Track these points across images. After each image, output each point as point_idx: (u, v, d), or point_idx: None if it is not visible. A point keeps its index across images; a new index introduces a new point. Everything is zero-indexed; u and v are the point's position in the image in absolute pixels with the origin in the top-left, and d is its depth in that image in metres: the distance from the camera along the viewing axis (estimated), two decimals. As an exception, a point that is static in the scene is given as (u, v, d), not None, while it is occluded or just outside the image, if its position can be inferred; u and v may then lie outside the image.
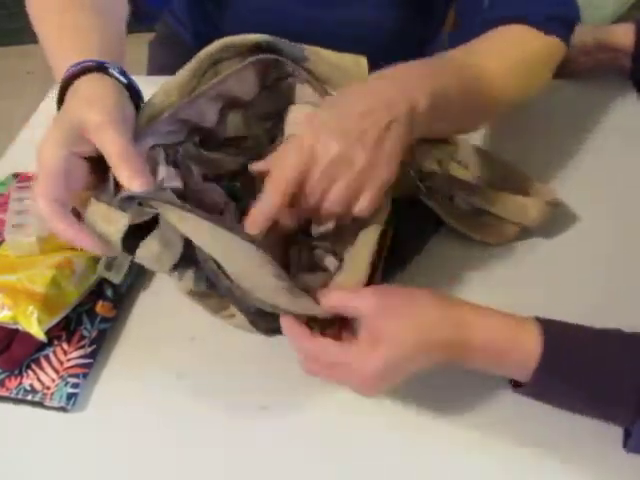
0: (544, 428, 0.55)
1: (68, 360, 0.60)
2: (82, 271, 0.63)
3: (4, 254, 0.65)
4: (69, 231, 0.48)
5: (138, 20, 0.77)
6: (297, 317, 0.52)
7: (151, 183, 0.49)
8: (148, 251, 0.51)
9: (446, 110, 0.57)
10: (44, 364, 0.60)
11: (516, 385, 0.53)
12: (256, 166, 0.56)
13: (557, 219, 0.71)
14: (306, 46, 0.61)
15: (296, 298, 0.51)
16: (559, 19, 0.69)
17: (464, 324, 0.50)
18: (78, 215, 0.50)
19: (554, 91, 0.89)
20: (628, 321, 0.51)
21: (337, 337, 0.53)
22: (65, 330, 0.62)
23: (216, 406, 0.58)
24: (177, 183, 0.52)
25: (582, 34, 0.88)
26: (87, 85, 0.53)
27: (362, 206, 0.53)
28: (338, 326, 0.53)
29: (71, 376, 0.59)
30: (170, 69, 0.60)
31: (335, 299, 0.51)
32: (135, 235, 0.51)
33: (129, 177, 0.48)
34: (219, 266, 0.51)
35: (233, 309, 0.56)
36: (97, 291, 0.65)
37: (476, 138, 0.80)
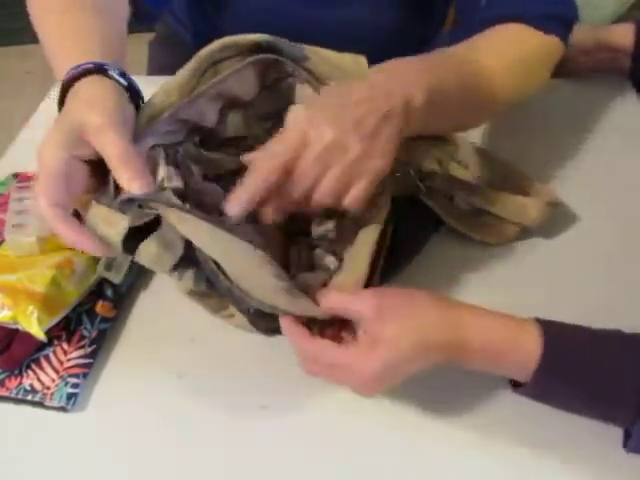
0: (544, 428, 0.55)
1: (68, 360, 0.60)
2: (82, 271, 0.63)
3: (4, 254, 0.65)
4: (70, 234, 0.48)
5: (138, 20, 0.77)
6: (296, 317, 0.52)
7: (151, 184, 0.49)
8: (147, 253, 0.51)
9: (443, 106, 0.57)
10: (44, 364, 0.60)
11: (516, 385, 0.53)
12: (247, 157, 0.55)
13: (557, 219, 0.71)
14: (306, 46, 0.61)
15: (295, 299, 0.51)
16: (557, 18, 0.69)
17: (463, 326, 0.50)
18: (79, 217, 0.50)
19: (554, 91, 0.89)
20: (628, 321, 0.51)
21: (336, 337, 0.53)
22: (65, 330, 0.62)
23: (216, 406, 0.58)
24: (178, 183, 0.52)
25: (582, 34, 0.88)
26: (87, 87, 0.53)
27: (353, 197, 0.52)
28: (337, 326, 0.53)
29: (71, 376, 0.59)
30: (170, 69, 0.60)
31: (334, 301, 0.51)
32: (135, 236, 0.51)
33: (128, 179, 0.48)
34: (219, 266, 0.51)
35: (233, 309, 0.56)
36: (97, 291, 0.65)
37: (476, 137, 0.80)
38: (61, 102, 0.55)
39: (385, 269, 0.58)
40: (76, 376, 0.59)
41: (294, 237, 0.59)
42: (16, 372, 0.60)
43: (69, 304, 0.62)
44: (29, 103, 0.97)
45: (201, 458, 0.55)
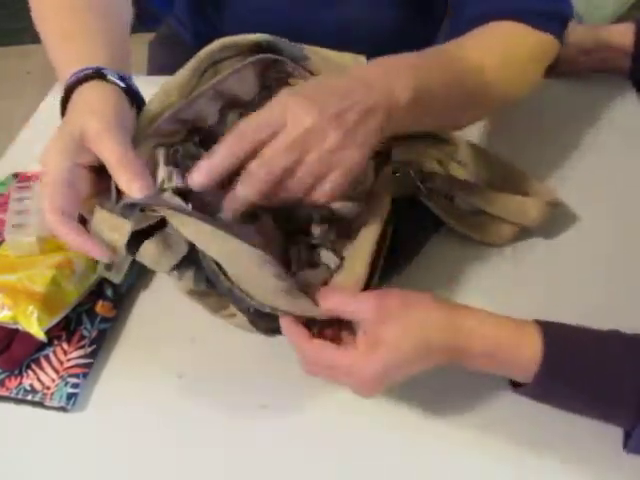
0: (544, 428, 0.55)
1: (68, 360, 0.60)
2: (82, 271, 0.63)
3: (4, 254, 0.65)
4: (77, 240, 0.49)
5: (142, 22, 0.77)
6: (296, 318, 0.52)
7: (151, 186, 0.49)
8: (146, 255, 0.52)
9: (430, 105, 0.57)
10: (44, 364, 0.60)
11: (516, 385, 0.53)
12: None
13: (557, 219, 0.71)
14: (306, 46, 0.61)
15: (295, 299, 0.51)
16: (552, 15, 0.68)
17: (464, 329, 0.50)
18: (84, 221, 0.50)
19: (554, 90, 0.89)
20: (628, 321, 0.51)
21: (336, 337, 0.53)
22: (65, 330, 0.62)
23: (216, 406, 0.58)
24: (178, 181, 0.52)
25: (582, 34, 0.88)
26: (87, 93, 0.54)
27: (325, 189, 0.51)
28: (337, 326, 0.53)
29: (71, 376, 0.59)
30: (170, 69, 0.60)
31: (333, 302, 0.51)
32: (138, 237, 0.51)
33: (128, 181, 0.49)
34: (219, 267, 0.51)
35: (233, 308, 0.56)
36: (97, 291, 0.65)
37: (475, 137, 0.80)
38: (64, 108, 0.55)
39: (385, 269, 0.58)
40: (76, 376, 0.59)
41: (294, 237, 0.59)
42: (16, 372, 0.60)
43: (69, 304, 0.62)
44: (29, 103, 0.97)
45: (201, 458, 0.55)
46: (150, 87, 0.58)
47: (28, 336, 0.59)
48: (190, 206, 0.50)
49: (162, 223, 0.51)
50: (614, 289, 0.65)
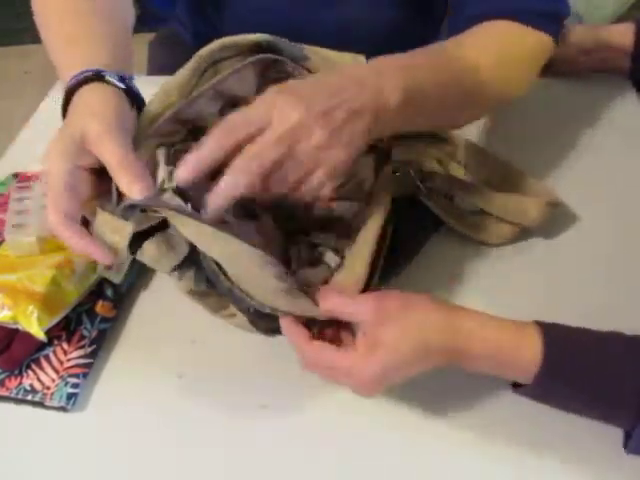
0: (544, 428, 0.55)
1: (68, 360, 0.60)
2: (82, 271, 0.63)
3: (4, 254, 0.65)
4: (79, 243, 0.49)
5: (144, 23, 0.78)
6: (296, 318, 0.52)
7: (151, 187, 0.49)
8: (147, 255, 0.52)
9: (422, 106, 0.57)
10: (44, 364, 0.60)
11: (516, 385, 0.53)
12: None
13: (557, 219, 0.71)
14: (306, 46, 0.61)
15: (295, 299, 0.51)
16: (548, 15, 0.68)
17: (463, 331, 0.50)
18: (87, 223, 0.50)
19: (554, 90, 0.89)
20: (628, 321, 0.51)
21: (336, 337, 0.53)
22: (65, 330, 0.62)
23: (216, 406, 0.58)
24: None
25: (582, 34, 0.88)
26: (87, 96, 0.54)
27: (311, 186, 0.51)
28: (337, 326, 0.53)
29: (71, 376, 0.59)
30: (170, 69, 0.60)
31: (332, 303, 0.51)
32: (139, 238, 0.51)
33: (128, 183, 0.49)
34: (220, 267, 0.51)
35: (233, 308, 0.56)
36: (97, 291, 0.65)
37: (475, 137, 0.80)
38: (64, 110, 0.56)
39: (385, 269, 0.58)
40: (76, 376, 0.59)
41: (294, 236, 0.59)
42: (16, 372, 0.60)
43: (69, 304, 0.62)
44: (29, 103, 0.97)
45: (201, 458, 0.55)
46: (150, 87, 0.58)
47: (28, 336, 0.59)
48: (190, 206, 0.50)
49: (164, 224, 0.51)
50: (614, 289, 0.65)
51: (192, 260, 0.54)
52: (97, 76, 0.55)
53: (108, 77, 0.55)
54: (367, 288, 0.54)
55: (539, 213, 0.68)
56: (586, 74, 0.90)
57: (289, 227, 0.58)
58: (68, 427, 0.57)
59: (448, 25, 0.71)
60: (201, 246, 0.50)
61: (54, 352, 0.61)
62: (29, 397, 0.58)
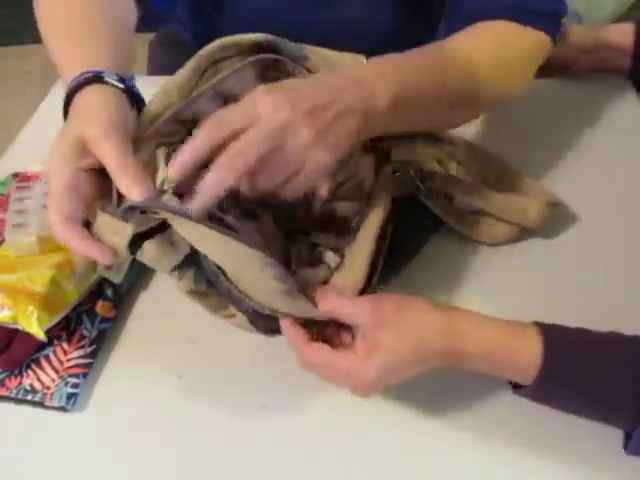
0: (543, 428, 0.55)
1: (68, 360, 0.60)
2: (82, 271, 0.63)
3: (4, 254, 0.65)
4: (80, 245, 0.49)
5: (146, 23, 0.78)
6: (296, 318, 0.52)
7: (150, 189, 0.49)
8: (147, 255, 0.52)
9: (417, 105, 0.57)
10: (44, 364, 0.60)
11: (516, 386, 0.53)
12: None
13: (557, 219, 0.71)
14: (306, 46, 0.61)
15: (295, 301, 0.51)
16: (546, 14, 0.68)
17: (461, 334, 0.50)
18: (89, 224, 0.51)
19: (554, 91, 0.89)
20: (628, 321, 0.51)
21: (335, 337, 0.53)
22: (65, 330, 0.62)
23: (216, 406, 0.58)
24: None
25: (582, 34, 0.88)
26: (87, 97, 0.54)
27: (295, 185, 0.51)
28: (336, 327, 0.53)
29: (71, 376, 0.59)
30: (170, 69, 0.60)
31: (331, 305, 0.51)
32: (139, 238, 0.51)
33: (127, 185, 0.49)
34: (219, 267, 0.51)
35: (233, 309, 0.56)
36: (97, 291, 0.65)
37: (475, 137, 0.80)
38: (66, 111, 0.56)
39: (385, 269, 0.58)
40: (76, 376, 0.59)
41: (294, 236, 0.59)
42: (16, 372, 0.60)
43: (69, 304, 0.62)
44: (29, 103, 0.97)
45: (201, 458, 0.55)
46: (150, 87, 0.58)
47: (28, 336, 0.59)
48: (189, 209, 0.49)
49: (164, 225, 0.51)
50: (614, 289, 0.65)
51: (192, 260, 0.54)
52: (97, 77, 0.55)
53: (107, 78, 0.55)
54: (367, 288, 0.54)
55: (539, 213, 0.68)
56: (586, 74, 0.90)
57: (289, 227, 0.58)
58: (68, 427, 0.57)
59: (445, 25, 0.71)
60: (200, 247, 0.50)
61: (54, 352, 0.61)
62: (29, 397, 0.58)
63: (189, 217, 0.48)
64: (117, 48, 0.61)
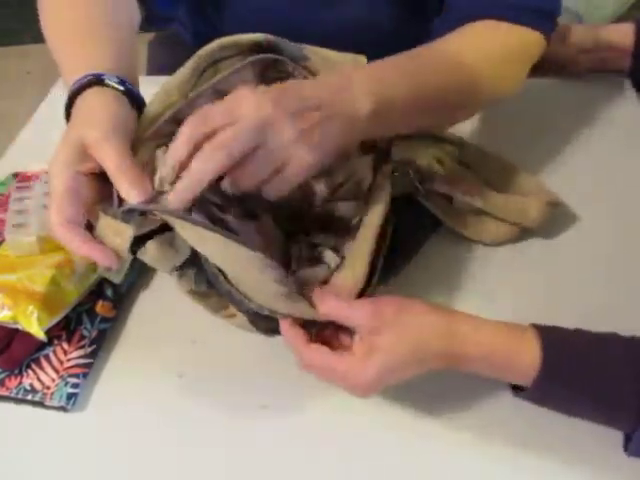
0: (543, 429, 0.54)
1: (68, 360, 0.60)
2: (82, 271, 0.63)
3: (4, 254, 0.65)
4: (82, 248, 0.49)
5: (151, 23, 0.78)
6: (295, 318, 0.52)
7: (148, 192, 0.49)
8: (148, 256, 0.52)
9: (406, 110, 0.57)
10: (44, 364, 0.60)
11: (516, 388, 0.53)
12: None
13: (557, 219, 0.71)
14: (306, 46, 0.61)
15: (295, 303, 0.51)
16: (540, 13, 0.68)
17: (460, 336, 0.50)
18: (91, 227, 0.51)
19: (553, 90, 0.89)
20: (628, 322, 0.51)
21: (334, 338, 0.53)
22: (65, 330, 0.62)
23: (216, 406, 0.58)
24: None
25: (582, 34, 0.88)
26: (89, 100, 0.55)
27: (276, 184, 0.51)
28: (335, 327, 0.53)
29: (71, 376, 0.59)
30: (170, 69, 0.60)
31: (329, 307, 0.51)
32: (141, 239, 0.51)
33: (127, 189, 0.49)
34: (219, 268, 0.51)
35: (233, 309, 0.56)
36: (97, 291, 0.65)
37: (475, 137, 0.80)
38: (68, 113, 0.56)
39: (384, 268, 0.58)
40: (76, 376, 0.59)
41: (295, 236, 0.59)
42: (16, 372, 0.60)
43: (69, 304, 0.62)
44: (29, 103, 0.97)
45: (201, 458, 0.55)
46: (150, 87, 0.58)
47: (28, 336, 0.59)
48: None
49: (166, 226, 0.52)
50: (614, 289, 0.65)
51: (192, 261, 0.54)
52: (98, 80, 0.55)
53: (108, 81, 0.55)
54: (367, 287, 0.54)
55: (539, 213, 0.68)
56: (586, 74, 0.90)
57: (289, 227, 0.58)
58: (68, 427, 0.57)
59: (435, 25, 0.71)
60: (201, 249, 0.50)
61: (54, 352, 0.61)
62: (29, 397, 0.58)
63: (187, 219, 0.48)
64: (121, 49, 0.61)
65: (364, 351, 0.49)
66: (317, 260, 0.56)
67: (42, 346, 0.61)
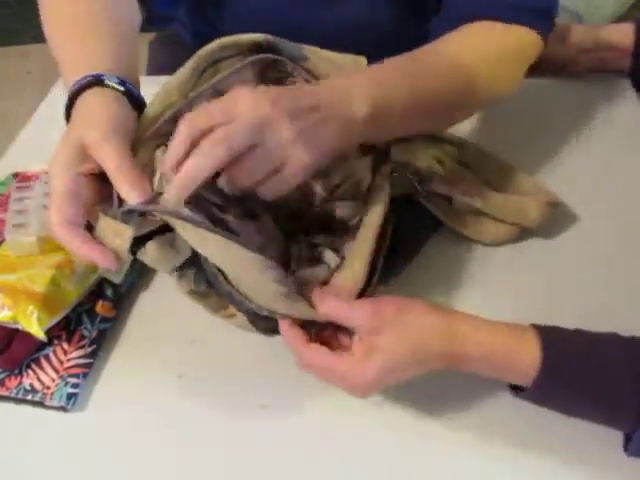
0: (543, 429, 0.54)
1: (68, 360, 0.60)
2: (82, 271, 0.63)
3: (4, 254, 0.65)
4: (82, 249, 0.49)
5: (152, 23, 0.78)
6: (294, 319, 0.52)
7: (148, 193, 0.50)
8: (148, 256, 0.52)
9: (403, 115, 0.57)
10: (44, 364, 0.60)
11: (515, 388, 0.53)
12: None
13: (557, 219, 0.71)
14: (305, 46, 0.61)
15: (294, 303, 0.51)
16: (534, 11, 0.68)
17: (460, 336, 0.50)
18: (91, 228, 0.51)
19: (553, 90, 0.89)
20: (628, 322, 0.51)
21: (334, 339, 0.53)
22: (65, 330, 0.62)
23: (216, 406, 0.58)
24: None
25: (582, 34, 0.88)
26: (89, 100, 0.55)
27: (272, 184, 0.50)
28: (335, 328, 0.53)
29: (71, 376, 0.59)
30: (170, 69, 0.60)
31: (329, 307, 0.51)
32: (141, 239, 0.51)
33: (127, 190, 0.49)
34: (219, 269, 0.51)
35: (233, 309, 0.56)
36: (97, 291, 0.65)
37: (474, 138, 0.80)
38: (68, 113, 0.56)
39: (385, 268, 0.58)
40: (76, 376, 0.59)
41: (295, 236, 0.59)
42: (16, 372, 0.60)
43: (69, 304, 0.62)
44: (29, 103, 0.97)
45: (201, 458, 0.55)
46: (150, 87, 0.58)
47: (28, 336, 0.59)
48: (188, 211, 0.49)
49: (166, 227, 0.52)
50: (614, 289, 0.65)
51: (192, 261, 0.54)
52: (98, 81, 0.55)
53: (107, 81, 0.55)
54: (368, 288, 0.54)
55: (539, 213, 0.68)
56: (586, 74, 0.90)
57: (289, 227, 0.58)
58: (68, 427, 0.57)
59: (433, 24, 0.71)
60: (201, 250, 0.50)
61: (54, 352, 0.61)
62: (29, 397, 0.58)
63: (186, 219, 0.48)
64: (121, 45, 0.61)
65: (363, 351, 0.49)
66: (317, 260, 0.56)
67: (42, 346, 0.61)
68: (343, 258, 0.55)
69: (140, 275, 0.68)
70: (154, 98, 0.57)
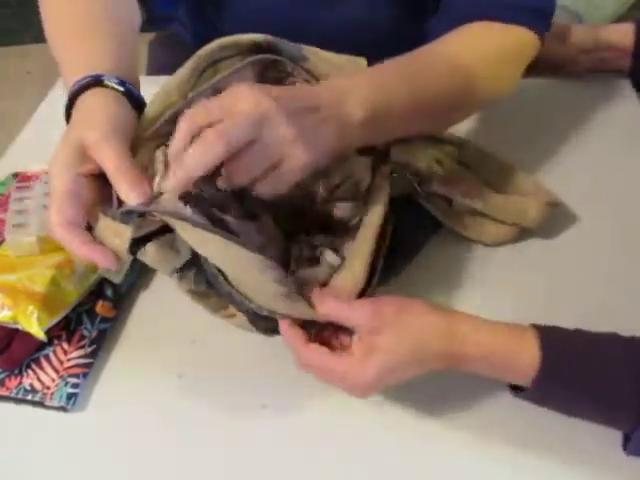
0: (543, 429, 0.54)
1: (68, 360, 0.60)
2: (82, 271, 0.63)
3: (4, 254, 0.65)
4: (82, 249, 0.49)
5: (153, 23, 0.78)
6: (294, 319, 0.52)
7: (147, 193, 0.49)
8: (148, 257, 0.52)
9: (401, 117, 0.57)
10: (44, 364, 0.60)
11: (515, 388, 0.53)
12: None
13: (557, 219, 0.71)
14: (305, 46, 0.61)
15: (294, 303, 0.51)
16: (535, 12, 0.68)
17: (460, 336, 0.50)
18: (91, 228, 0.51)
19: (554, 90, 0.89)
20: (628, 322, 0.51)
21: (333, 339, 0.53)
22: (65, 330, 0.62)
23: (216, 406, 0.58)
24: None
25: (582, 34, 0.88)
26: (89, 101, 0.55)
27: (269, 182, 0.50)
28: (335, 328, 0.53)
29: (71, 376, 0.59)
30: (170, 69, 0.60)
31: (329, 307, 0.51)
32: (141, 240, 0.51)
33: (126, 190, 0.49)
34: (219, 269, 0.51)
35: (233, 309, 0.56)
36: (97, 291, 0.65)
37: (474, 138, 0.80)
38: (68, 113, 0.56)
39: (385, 269, 0.58)
40: (76, 376, 0.59)
41: (295, 236, 0.59)
42: (16, 372, 0.60)
43: (69, 304, 0.62)
44: (29, 103, 0.98)
45: (201, 458, 0.55)
46: (150, 87, 0.58)
47: (28, 336, 0.59)
48: (189, 212, 0.49)
49: (166, 228, 0.52)
50: (614, 289, 0.65)
51: (192, 261, 0.54)
52: (97, 81, 0.55)
53: (107, 81, 0.55)
54: (368, 288, 0.54)
55: (538, 213, 0.68)
56: (586, 74, 0.90)
57: (289, 227, 0.58)
58: (68, 427, 0.57)
59: (432, 24, 0.71)
60: (201, 251, 0.50)
61: (54, 352, 0.61)
62: (29, 397, 0.58)
63: (185, 220, 0.48)
64: (121, 45, 0.61)
65: (363, 351, 0.49)
66: (317, 260, 0.56)
67: (42, 346, 0.61)
68: (343, 258, 0.55)
69: (140, 275, 0.68)
70: (154, 98, 0.57)
